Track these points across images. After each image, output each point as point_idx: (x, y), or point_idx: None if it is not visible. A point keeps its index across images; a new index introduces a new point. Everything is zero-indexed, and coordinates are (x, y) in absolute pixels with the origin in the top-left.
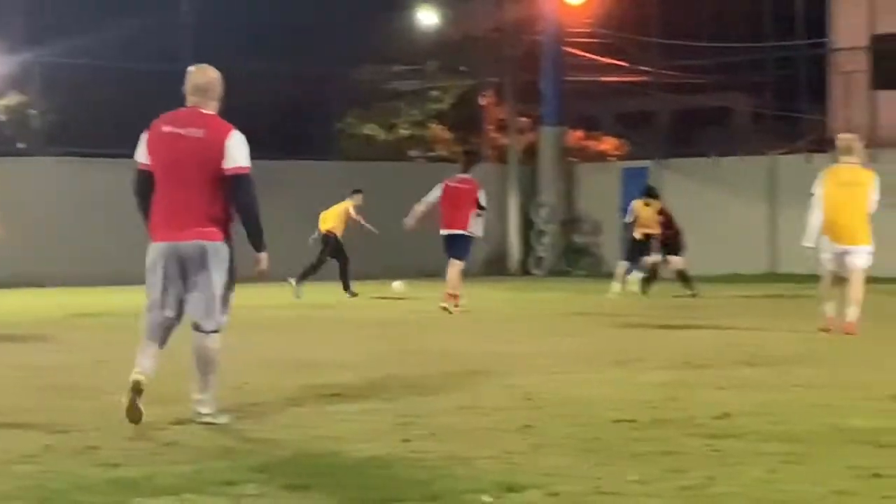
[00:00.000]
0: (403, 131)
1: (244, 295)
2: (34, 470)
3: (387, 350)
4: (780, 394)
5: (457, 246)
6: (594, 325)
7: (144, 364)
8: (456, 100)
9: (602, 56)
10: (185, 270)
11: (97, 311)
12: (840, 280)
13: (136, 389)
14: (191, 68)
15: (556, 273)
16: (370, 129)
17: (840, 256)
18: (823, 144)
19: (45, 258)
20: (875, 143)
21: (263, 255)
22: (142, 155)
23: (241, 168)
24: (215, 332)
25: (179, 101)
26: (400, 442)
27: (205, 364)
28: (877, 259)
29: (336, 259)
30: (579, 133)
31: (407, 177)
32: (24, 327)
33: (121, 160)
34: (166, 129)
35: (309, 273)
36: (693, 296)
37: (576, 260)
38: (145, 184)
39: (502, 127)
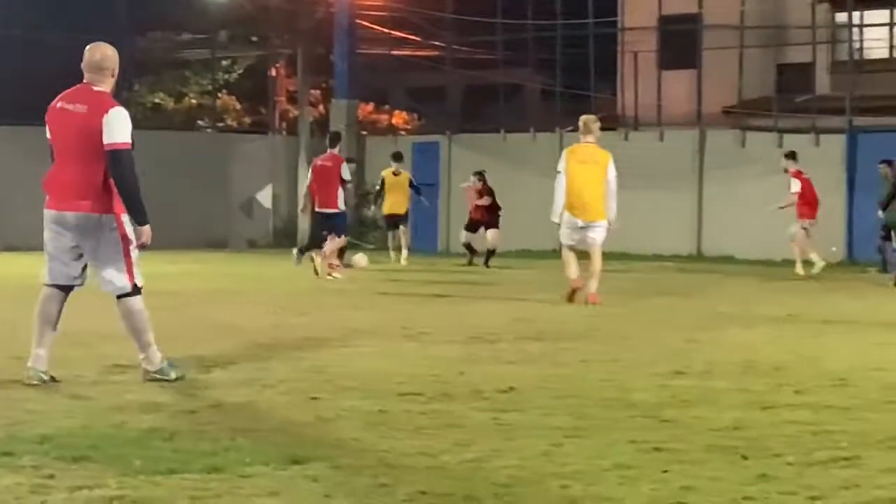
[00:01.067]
0: (193, 101)
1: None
2: None
3: (174, 322)
4: (565, 369)
5: (332, 224)
6: (386, 299)
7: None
8: (247, 70)
9: (394, 30)
10: (75, 239)
11: None
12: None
13: None
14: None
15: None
16: (159, 98)
17: (581, 231)
18: (613, 122)
19: None
20: (662, 122)
21: (144, 229)
22: (47, 129)
23: (117, 144)
24: (128, 295)
25: None
26: (185, 413)
27: (131, 326)
28: (660, 238)
29: None
30: (370, 106)
31: (195, 146)
32: None
33: None
34: (59, 104)
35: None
36: (470, 264)
37: (365, 233)
38: (51, 156)
39: (293, 99)
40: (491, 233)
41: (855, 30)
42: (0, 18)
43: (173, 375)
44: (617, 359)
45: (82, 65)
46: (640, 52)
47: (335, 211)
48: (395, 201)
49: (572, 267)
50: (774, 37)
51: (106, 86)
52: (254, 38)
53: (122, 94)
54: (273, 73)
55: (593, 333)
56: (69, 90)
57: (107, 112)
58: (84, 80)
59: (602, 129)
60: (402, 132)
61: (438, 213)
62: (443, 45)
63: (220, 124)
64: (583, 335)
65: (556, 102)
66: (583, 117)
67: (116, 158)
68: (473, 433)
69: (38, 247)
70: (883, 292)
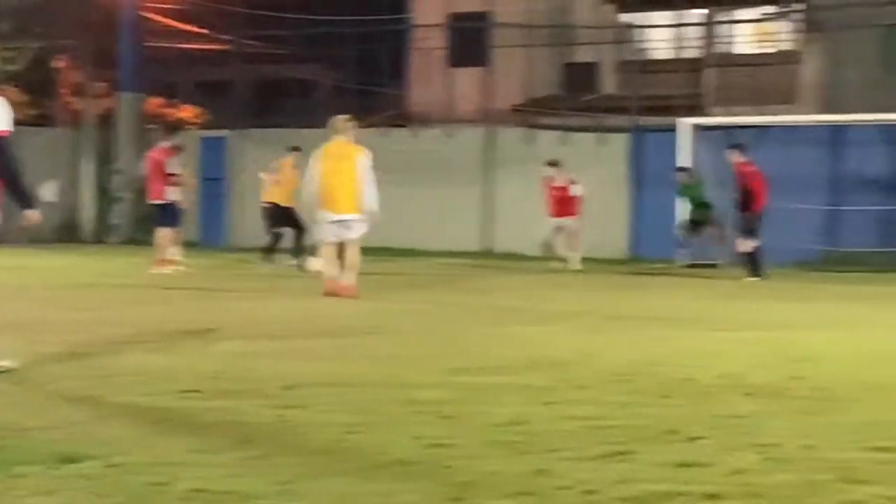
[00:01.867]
0: None
1: None
2: None
3: None
4: (350, 365)
5: (158, 215)
6: (173, 295)
7: None
8: (30, 62)
9: (182, 23)
10: None
11: None
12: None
13: None
14: None
15: (131, 241)
16: None
17: (337, 225)
18: (403, 119)
19: None
20: (452, 119)
21: (31, 212)
22: None
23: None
24: None
25: None
26: None
27: None
28: (449, 234)
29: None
30: (158, 100)
31: None
32: None
33: None
34: None
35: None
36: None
37: (151, 228)
38: None
39: (78, 91)
40: None
41: (639, 30)
42: None
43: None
44: (400, 355)
45: None
46: (430, 49)
47: (161, 202)
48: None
49: (331, 265)
50: (562, 36)
51: None
52: (37, 30)
53: None
54: (57, 65)
55: (378, 329)
56: None
57: None
58: None
59: (392, 125)
60: (191, 126)
61: (225, 209)
62: (231, 38)
63: None
64: (368, 331)
65: (349, 99)
66: (334, 118)
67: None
68: (255, 430)
69: None
70: (664, 288)
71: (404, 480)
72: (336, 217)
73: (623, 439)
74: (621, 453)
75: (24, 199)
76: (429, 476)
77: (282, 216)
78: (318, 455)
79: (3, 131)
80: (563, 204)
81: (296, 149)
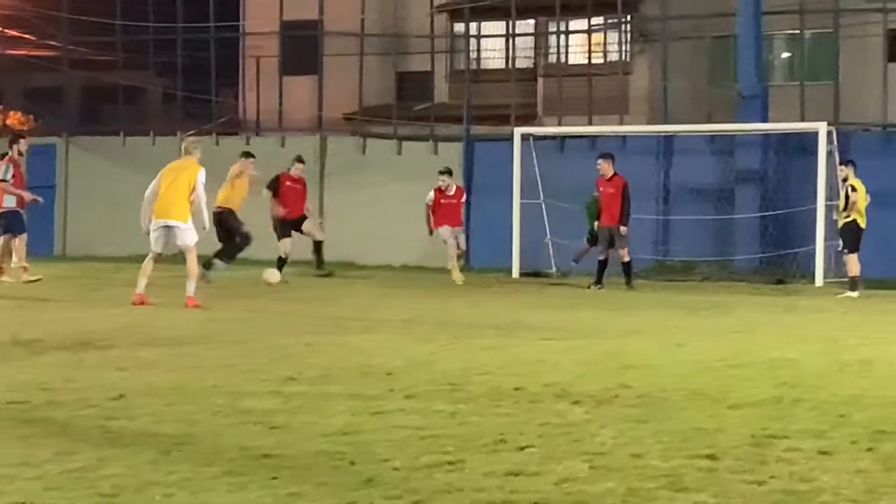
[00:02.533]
0: None
1: None
2: None
3: None
4: (178, 374)
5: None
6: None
7: None
8: None
9: (8, 28)
10: None
11: None
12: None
13: None
14: None
15: None
16: None
17: (165, 233)
18: (235, 127)
19: None
20: (284, 127)
21: None
22: None
23: None
24: None
25: None
26: None
27: None
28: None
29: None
30: None
31: None
32: None
33: None
34: None
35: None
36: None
37: None
38: None
39: None
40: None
41: (472, 40)
42: None
43: None
44: (231, 364)
45: None
46: (262, 56)
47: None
48: None
49: (146, 278)
50: (395, 45)
51: None
52: None
53: None
54: None
55: (209, 339)
56: None
57: None
58: None
59: (224, 133)
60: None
61: (54, 216)
62: (59, 44)
63: None
64: (198, 340)
65: (179, 106)
66: (184, 139)
67: None
68: (80, 441)
69: None
70: (496, 297)
71: (230, 492)
72: (163, 223)
73: (452, 448)
74: (450, 463)
75: None
76: (255, 487)
77: (233, 221)
78: (143, 467)
79: None
80: (455, 212)
81: (248, 154)
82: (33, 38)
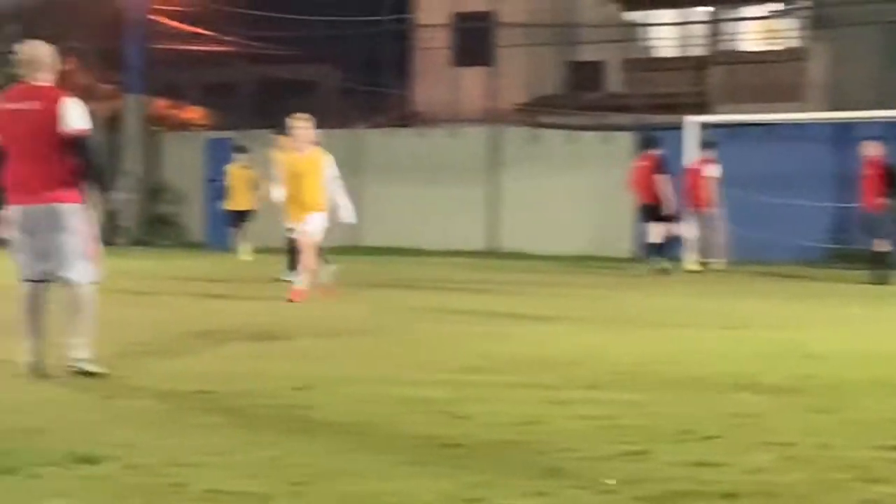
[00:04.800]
0: None
1: None
2: None
3: None
4: (358, 367)
5: None
6: (181, 296)
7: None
8: None
9: (188, 25)
10: (39, 231)
11: None
12: None
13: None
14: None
15: (139, 243)
16: None
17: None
18: (408, 119)
19: None
20: (456, 119)
21: (108, 195)
22: None
23: (77, 130)
24: (86, 283)
25: None
26: None
27: (76, 313)
28: (454, 234)
29: None
30: (164, 102)
31: None
32: None
33: None
34: (9, 106)
35: None
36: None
37: (159, 230)
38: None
39: (85, 94)
40: None
41: (644, 29)
42: None
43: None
44: (406, 354)
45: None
46: (434, 49)
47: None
48: (240, 197)
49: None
50: (566, 35)
51: (44, 80)
52: (44, 33)
53: None
54: (64, 67)
55: (374, 331)
56: (11, 90)
57: (59, 103)
58: (22, 79)
59: (397, 125)
60: (197, 127)
61: None
62: (236, 40)
63: None
64: (362, 332)
65: (354, 99)
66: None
67: (79, 144)
68: (264, 430)
69: None
70: (666, 286)
71: (420, 478)
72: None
73: (637, 438)
74: (636, 452)
75: (102, 187)
76: (442, 476)
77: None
78: (329, 455)
79: (78, 130)
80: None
81: (241, 149)
82: (211, 35)
